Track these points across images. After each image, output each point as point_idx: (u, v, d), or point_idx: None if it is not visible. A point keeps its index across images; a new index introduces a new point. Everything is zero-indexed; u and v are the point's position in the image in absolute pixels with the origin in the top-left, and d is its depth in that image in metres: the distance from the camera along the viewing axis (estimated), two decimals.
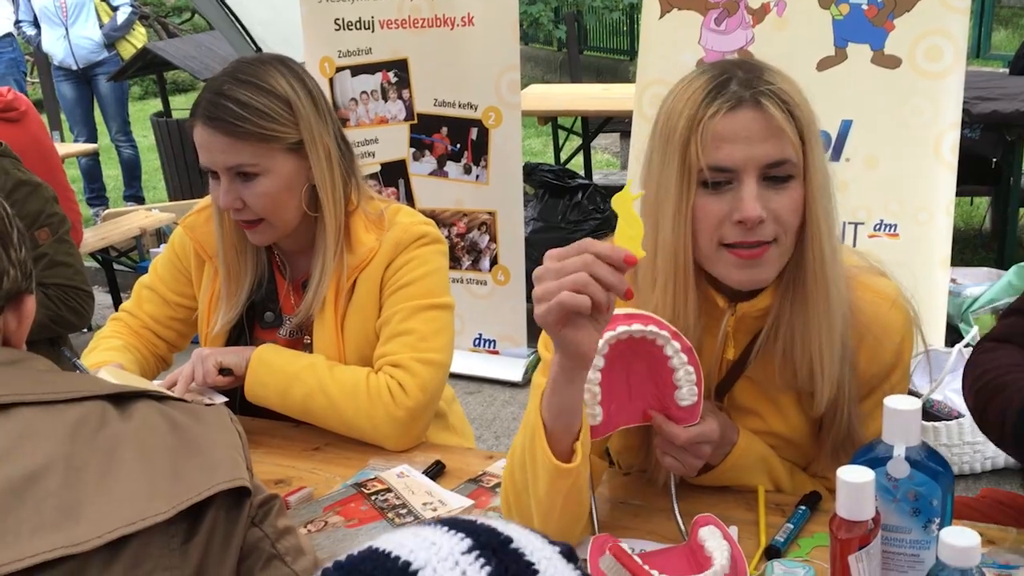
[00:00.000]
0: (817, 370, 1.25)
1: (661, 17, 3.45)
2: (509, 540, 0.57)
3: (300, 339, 1.70)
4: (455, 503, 1.39)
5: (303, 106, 1.56)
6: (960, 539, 0.88)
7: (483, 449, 3.18)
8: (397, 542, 0.56)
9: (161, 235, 5.25)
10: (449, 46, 3.61)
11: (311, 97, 1.58)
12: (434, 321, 1.62)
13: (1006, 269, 3.85)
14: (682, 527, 1.26)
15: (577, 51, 9.60)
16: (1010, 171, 4.16)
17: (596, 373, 1.20)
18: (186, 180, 6.05)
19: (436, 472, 1.50)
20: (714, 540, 1.14)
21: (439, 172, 3.81)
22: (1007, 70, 4.98)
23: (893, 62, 3.21)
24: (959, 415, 2.89)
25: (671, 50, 3.43)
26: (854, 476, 0.96)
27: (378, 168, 3.85)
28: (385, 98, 3.79)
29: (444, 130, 3.75)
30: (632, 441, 1.37)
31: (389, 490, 1.43)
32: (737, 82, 1.19)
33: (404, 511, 1.38)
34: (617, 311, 1.22)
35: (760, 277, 1.23)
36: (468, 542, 0.56)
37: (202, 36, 7.08)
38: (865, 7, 3.22)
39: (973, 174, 3.96)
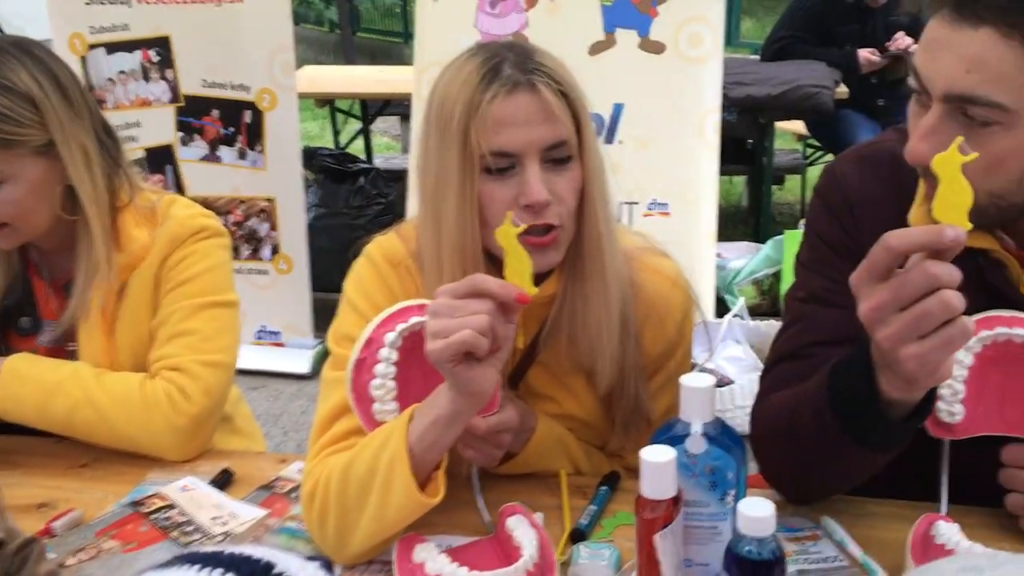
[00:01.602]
0: (598, 348, 1.26)
1: (437, 0, 3.42)
2: (271, 566, 0.52)
3: (63, 347, 1.53)
4: (247, 515, 1.30)
5: (51, 103, 1.39)
6: (756, 510, 0.92)
7: (271, 447, 3.06)
8: None
9: None
10: (216, 24, 3.41)
11: (61, 90, 1.41)
12: (217, 320, 1.51)
13: (763, 242, 4.16)
14: (487, 519, 1.24)
15: (351, 32, 9.40)
16: (763, 152, 4.49)
17: (391, 367, 1.15)
18: None
19: (224, 481, 1.40)
20: (521, 529, 1.13)
21: (211, 157, 3.60)
22: (758, 56, 5.34)
23: (658, 47, 3.35)
24: (730, 381, 3.09)
25: (447, 33, 3.41)
26: (656, 456, 0.98)
27: (143, 154, 3.59)
28: (147, 78, 3.53)
29: (215, 113, 3.54)
30: None
31: (172, 506, 1.32)
32: (510, 64, 1.17)
33: (191, 528, 1.27)
34: (409, 302, 1.18)
35: (550, 261, 1.23)
36: None
37: None
38: None
39: (732, 154, 4.23)
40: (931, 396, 1.02)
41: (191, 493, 1.35)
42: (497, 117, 1.15)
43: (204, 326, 1.49)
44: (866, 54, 4.50)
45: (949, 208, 0.91)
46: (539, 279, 1.27)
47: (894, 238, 0.90)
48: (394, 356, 1.14)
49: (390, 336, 1.14)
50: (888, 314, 0.91)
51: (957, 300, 0.89)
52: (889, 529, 1.17)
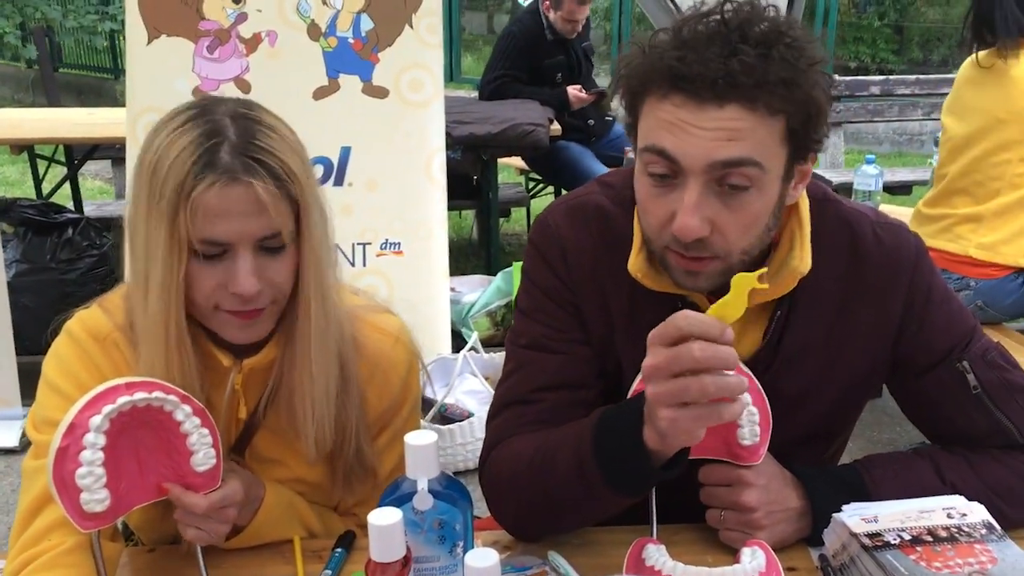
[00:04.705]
0: (312, 411, 1.25)
1: (149, 43, 3.27)
2: None
3: None
4: None
5: None
6: (482, 560, 0.94)
7: None
8: None
9: None
10: None
11: None
12: None
13: (494, 275, 4.31)
14: None
15: (52, 69, 8.73)
16: (488, 187, 4.66)
17: (98, 453, 1.07)
18: None
19: None
20: None
21: None
22: (477, 94, 5.55)
23: (382, 92, 3.40)
24: (470, 415, 3.16)
25: (164, 77, 3.27)
26: (382, 519, 0.98)
27: None
28: None
29: None
30: (152, 514, 1.26)
31: None
32: (229, 148, 1.12)
33: None
34: (116, 381, 1.11)
35: (256, 333, 1.23)
36: None
37: None
38: (351, 41, 3.37)
39: (459, 190, 4.36)
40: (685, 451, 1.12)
41: None
42: (210, 207, 1.11)
43: None
44: (575, 92, 4.84)
45: (727, 313, 1.04)
46: (258, 347, 1.26)
47: (681, 319, 1.01)
48: (101, 441, 1.06)
49: (96, 420, 1.06)
50: (660, 376, 1.02)
51: (714, 387, 1.00)
52: (611, 555, 1.24)
